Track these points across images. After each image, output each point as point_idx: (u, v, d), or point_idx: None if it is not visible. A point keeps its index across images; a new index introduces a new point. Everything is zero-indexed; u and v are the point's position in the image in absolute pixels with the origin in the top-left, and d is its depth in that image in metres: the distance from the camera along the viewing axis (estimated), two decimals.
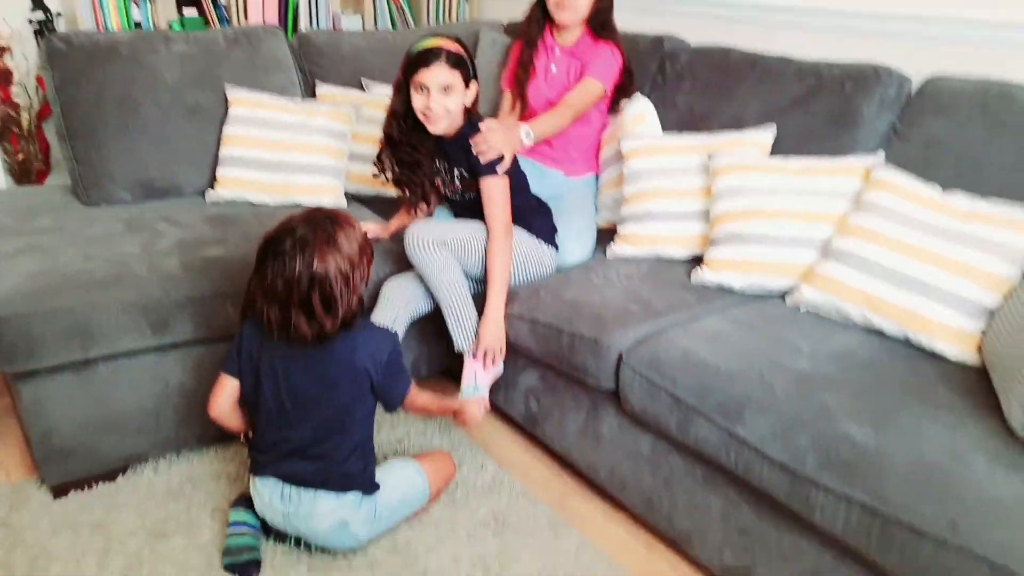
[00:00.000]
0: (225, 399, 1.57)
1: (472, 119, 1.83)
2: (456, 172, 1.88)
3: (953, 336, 1.48)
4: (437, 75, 1.74)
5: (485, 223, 1.85)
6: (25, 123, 2.78)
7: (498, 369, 1.87)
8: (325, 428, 1.50)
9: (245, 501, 1.61)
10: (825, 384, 1.38)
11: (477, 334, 1.83)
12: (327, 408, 1.49)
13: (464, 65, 1.78)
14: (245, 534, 1.55)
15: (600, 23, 2.18)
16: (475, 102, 1.84)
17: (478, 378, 1.84)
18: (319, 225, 1.42)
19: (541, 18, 2.22)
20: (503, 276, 1.81)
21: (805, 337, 1.55)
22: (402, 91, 1.81)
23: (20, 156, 2.78)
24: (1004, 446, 1.21)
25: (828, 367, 1.44)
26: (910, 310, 1.52)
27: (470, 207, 1.90)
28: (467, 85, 1.80)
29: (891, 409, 1.31)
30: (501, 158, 1.81)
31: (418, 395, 1.63)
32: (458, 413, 1.74)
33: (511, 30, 2.79)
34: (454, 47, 1.77)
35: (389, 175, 1.92)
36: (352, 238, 1.45)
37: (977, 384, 1.40)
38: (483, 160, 1.80)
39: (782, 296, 1.75)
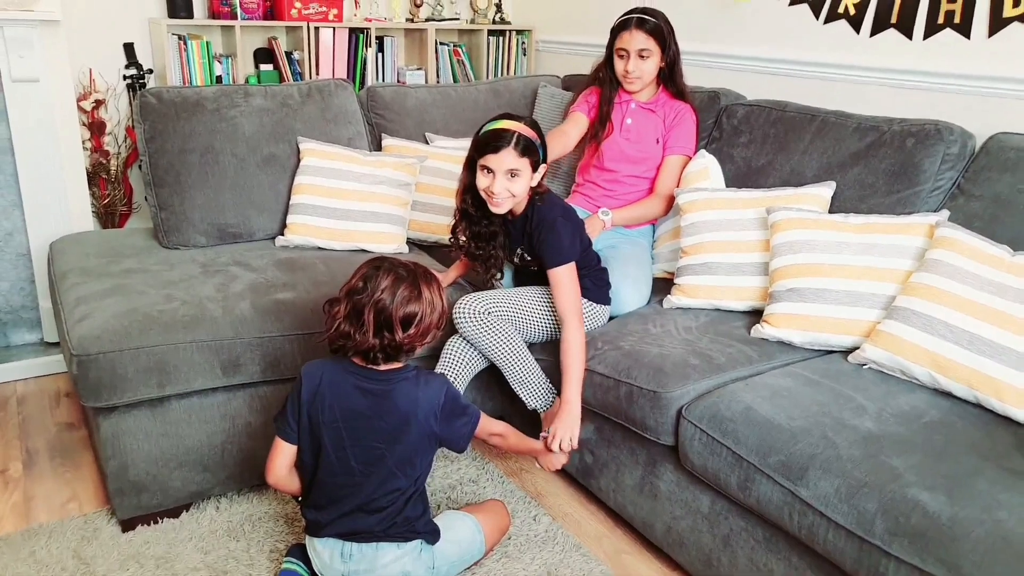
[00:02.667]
0: (282, 464, 1.55)
1: (536, 199, 1.83)
2: (518, 251, 1.91)
3: None
4: (504, 161, 1.73)
5: (544, 289, 1.87)
6: (113, 170, 2.96)
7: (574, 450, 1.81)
8: (390, 479, 1.50)
9: (299, 551, 1.62)
10: (893, 445, 1.35)
11: (549, 411, 1.84)
12: (391, 459, 1.50)
13: (534, 151, 1.76)
14: None
15: (670, 78, 2.26)
16: (542, 180, 1.83)
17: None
18: (423, 275, 1.51)
19: (612, 79, 2.28)
20: (580, 365, 1.75)
21: (870, 396, 1.53)
22: (471, 168, 1.81)
23: (107, 200, 2.95)
24: None
25: (895, 428, 1.41)
26: (979, 371, 1.48)
27: (532, 276, 1.94)
28: (535, 169, 1.78)
29: (964, 475, 1.27)
30: (566, 250, 1.80)
31: (492, 426, 1.65)
32: (541, 454, 1.75)
33: (569, 83, 2.86)
34: (526, 131, 1.75)
35: (463, 249, 1.96)
36: (437, 301, 1.51)
37: None
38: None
39: (845, 353, 1.73)
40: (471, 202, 1.86)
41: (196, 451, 1.83)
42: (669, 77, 2.25)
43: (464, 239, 1.93)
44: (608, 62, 2.29)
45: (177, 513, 1.86)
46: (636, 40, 2.18)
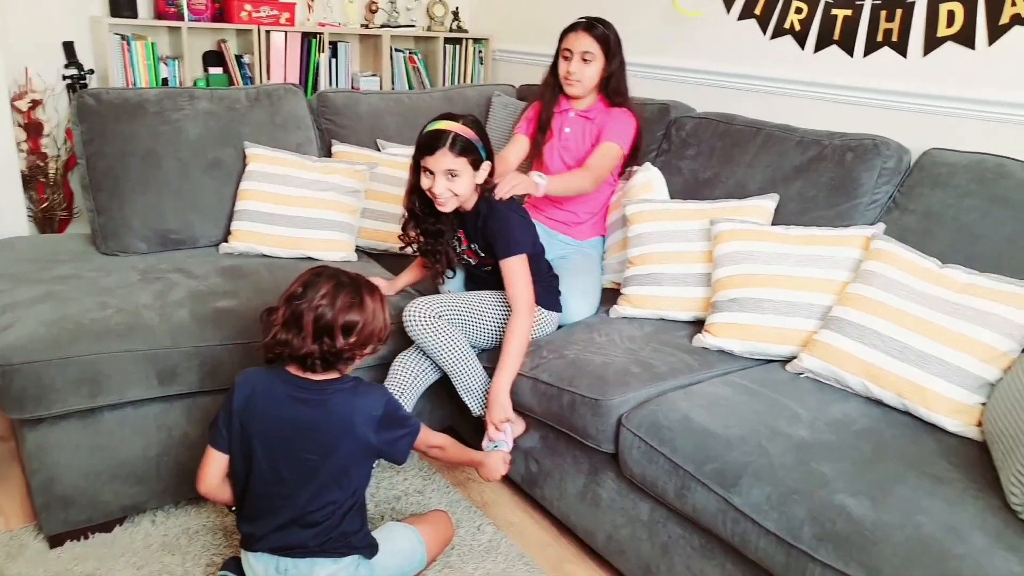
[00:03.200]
0: (214, 474, 1.51)
1: (488, 195, 1.84)
2: (473, 247, 1.91)
3: (952, 408, 1.48)
4: (441, 162, 1.74)
5: (494, 293, 1.88)
6: (52, 173, 2.87)
7: (518, 427, 1.86)
8: (324, 491, 1.47)
9: (234, 564, 1.58)
10: (823, 453, 1.38)
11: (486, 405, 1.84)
12: (325, 471, 1.47)
13: (472, 150, 1.77)
14: None
15: (612, 90, 2.25)
16: (490, 177, 1.84)
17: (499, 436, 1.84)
18: (365, 284, 1.49)
19: (556, 85, 2.29)
20: (518, 355, 1.79)
21: (805, 405, 1.55)
22: (415, 170, 1.83)
23: (44, 204, 2.86)
24: (1003, 525, 1.20)
25: (827, 435, 1.44)
26: (909, 381, 1.52)
27: (485, 278, 1.94)
28: (476, 168, 1.80)
29: (889, 481, 1.30)
30: (519, 242, 1.82)
31: (432, 438, 1.64)
32: (481, 466, 1.75)
33: (524, 93, 2.88)
34: (463, 131, 1.76)
35: (415, 246, 1.95)
36: (380, 313, 1.49)
37: (978, 459, 1.39)
38: (498, 194, 1.81)
39: (783, 363, 1.76)
40: (418, 203, 1.87)
41: (130, 463, 1.78)
42: (610, 88, 2.25)
43: (414, 234, 1.94)
44: (554, 67, 2.30)
45: (110, 528, 1.80)
46: (581, 42, 2.19)
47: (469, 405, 1.87)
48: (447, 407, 2.15)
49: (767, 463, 1.36)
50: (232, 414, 1.48)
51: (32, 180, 2.83)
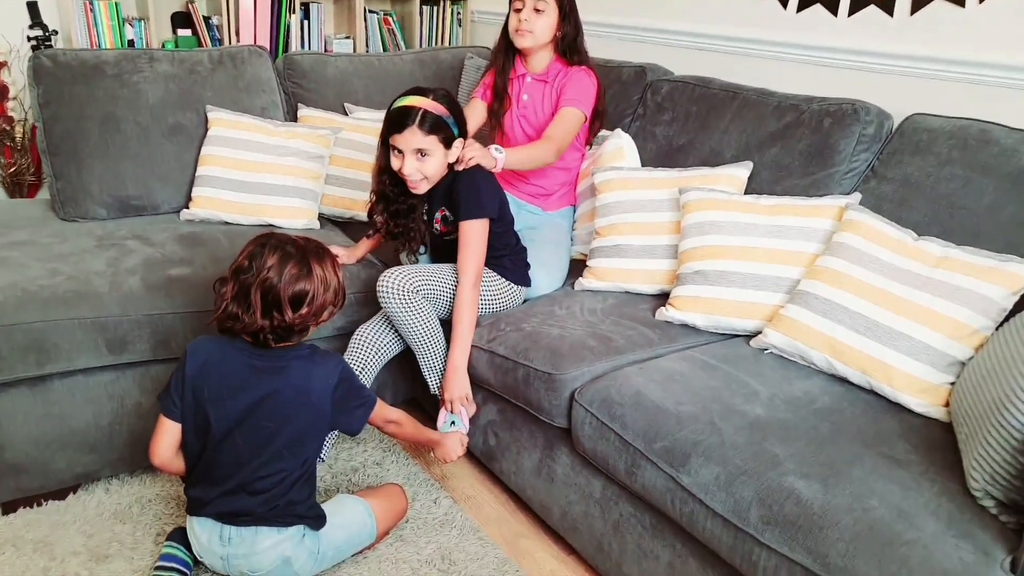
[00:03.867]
0: (167, 444, 1.48)
1: (456, 167, 1.76)
2: (437, 215, 1.83)
3: (918, 387, 1.41)
4: (410, 141, 1.66)
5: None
6: (19, 137, 2.81)
7: (470, 408, 1.82)
8: (276, 459, 1.45)
9: (180, 534, 1.56)
10: (778, 432, 1.32)
11: (442, 384, 1.79)
12: (280, 439, 1.44)
13: (442, 127, 1.68)
14: (173, 569, 1.51)
15: (568, 48, 2.11)
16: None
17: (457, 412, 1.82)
18: (314, 252, 1.44)
19: (508, 47, 2.16)
20: (469, 327, 1.74)
21: (765, 381, 1.50)
22: (384, 147, 1.74)
23: (12, 169, 2.81)
24: (959, 510, 1.14)
25: (784, 414, 1.39)
26: (874, 358, 1.45)
27: (448, 249, 1.86)
28: (448, 146, 1.71)
29: (843, 463, 1.24)
30: (483, 204, 1.74)
31: (389, 412, 1.62)
32: (438, 446, 1.74)
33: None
34: (433, 107, 1.66)
35: (383, 231, 1.88)
36: (331, 278, 1.45)
37: (942, 440, 1.33)
38: (462, 165, 1.73)
39: (748, 338, 1.69)
40: (388, 182, 1.79)
41: (82, 432, 1.75)
42: (566, 45, 2.11)
43: (381, 220, 1.85)
44: (504, 29, 2.16)
45: (63, 495, 1.78)
46: None
47: (430, 383, 1.83)
48: (408, 381, 2.10)
49: (718, 441, 1.31)
50: (185, 382, 1.45)
51: None
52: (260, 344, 1.44)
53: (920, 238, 1.56)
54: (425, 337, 1.78)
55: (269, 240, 1.44)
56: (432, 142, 1.68)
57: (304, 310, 1.42)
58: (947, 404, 1.41)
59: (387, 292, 1.72)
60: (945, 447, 1.31)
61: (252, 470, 1.44)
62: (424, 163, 1.69)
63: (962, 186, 1.64)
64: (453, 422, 1.80)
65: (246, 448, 1.44)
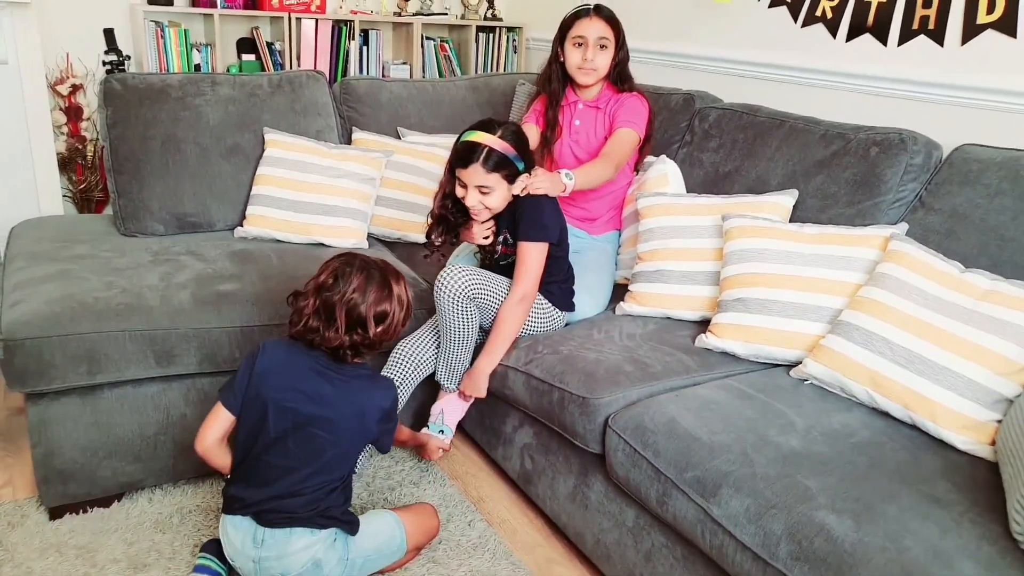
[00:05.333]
0: (216, 433, 1.50)
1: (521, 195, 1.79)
2: (501, 236, 1.87)
3: (963, 424, 1.37)
4: (473, 177, 1.72)
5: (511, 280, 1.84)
6: (90, 155, 2.97)
7: (464, 407, 1.92)
8: (324, 470, 1.48)
9: (214, 546, 1.59)
10: (812, 465, 1.29)
11: (462, 379, 1.88)
12: (332, 452, 1.48)
13: (506, 165, 1.72)
14: None
15: (619, 76, 2.16)
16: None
17: (446, 415, 1.90)
18: (393, 273, 1.52)
19: (561, 77, 2.20)
20: (505, 339, 1.80)
21: (802, 413, 1.47)
22: (451, 174, 1.80)
23: (83, 185, 2.97)
24: (999, 555, 1.10)
25: (820, 447, 1.35)
26: (917, 392, 1.41)
27: (501, 272, 1.89)
28: (512, 181, 1.75)
29: (879, 499, 1.21)
30: (546, 228, 1.79)
31: (401, 431, 1.74)
32: (421, 445, 1.88)
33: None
34: (498, 144, 1.71)
35: (441, 253, 1.94)
36: (405, 298, 1.52)
37: (986, 480, 1.28)
38: (531, 191, 1.75)
39: (788, 368, 1.66)
40: (451, 207, 1.85)
41: (128, 441, 1.81)
42: (618, 74, 2.15)
43: (439, 243, 1.91)
44: (555, 60, 2.20)
45: (108, 503, 1.84)
46: (595, 28, 2.09)
47: (439, 371, 1.90)
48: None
49: (749, 473, 1.29)
50: (252, 376, 1.48)
51: (72, 162, 2.93)
52: (339, 359, 1.49)
53: (967, 270, 1.52)
54: (461, 339, 1.83)
55: (355, 260, 1.50)
56: (495, 179, 1.73)
57: (382, 328, 1.48)
58: (993, 442, 1.35)
59: (444, 291, 1.78)
60: (989, 487, 1.26)
61: (301, 478, 1.47)
62: (486, 198, 1.75)
63: (1012, 218, 1.59)
64: (442, 431, 1.90)
65: (298, 454, 1.47)
